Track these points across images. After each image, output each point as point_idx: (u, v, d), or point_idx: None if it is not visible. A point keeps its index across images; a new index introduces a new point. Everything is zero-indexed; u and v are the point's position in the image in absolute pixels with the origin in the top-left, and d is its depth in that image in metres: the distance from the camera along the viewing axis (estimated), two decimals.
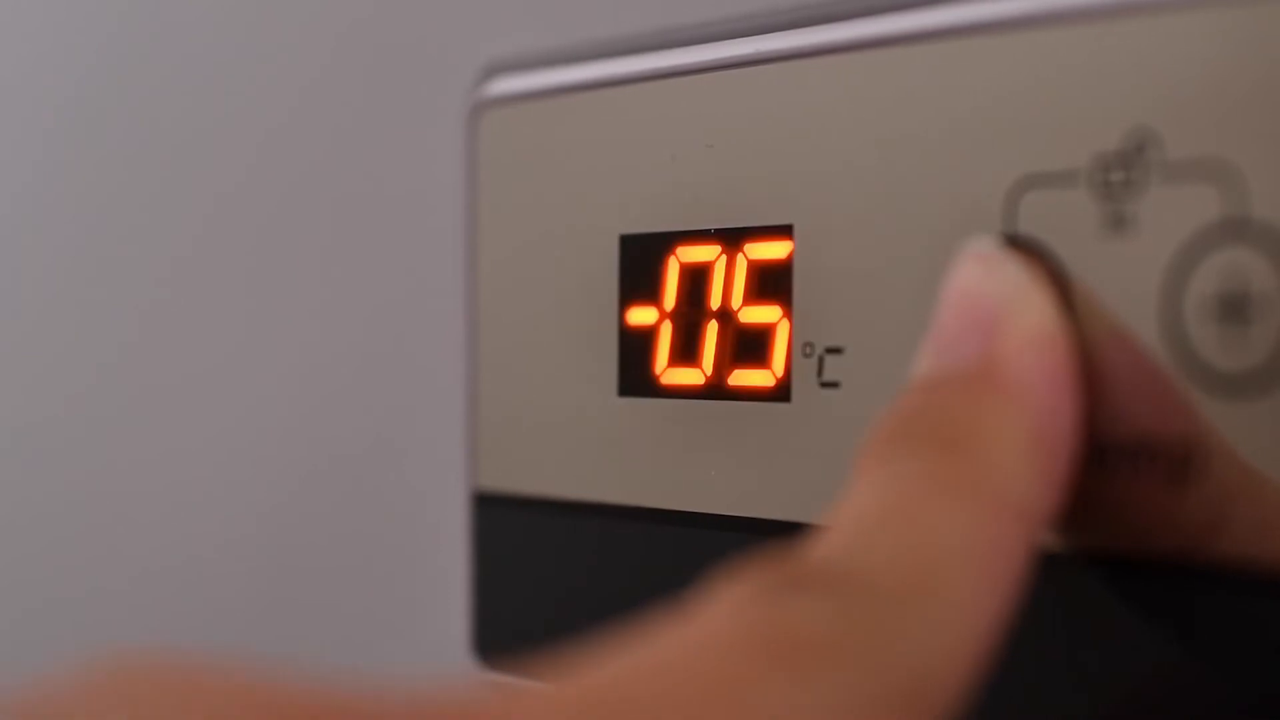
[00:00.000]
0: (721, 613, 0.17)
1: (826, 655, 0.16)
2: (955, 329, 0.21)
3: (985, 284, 0.21)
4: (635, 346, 0.30)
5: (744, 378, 0.28)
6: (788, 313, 0.27)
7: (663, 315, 0.29)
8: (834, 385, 0.26)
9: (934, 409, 0.20)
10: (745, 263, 0.28)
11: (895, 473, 0.19)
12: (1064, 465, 0.21)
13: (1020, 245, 0.23)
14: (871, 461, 0.20)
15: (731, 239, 0.28)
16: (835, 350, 0.26)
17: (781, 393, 0.27)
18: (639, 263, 0.30)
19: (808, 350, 0.26)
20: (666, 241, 0.29)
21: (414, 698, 0.15)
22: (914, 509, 0.19)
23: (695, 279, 0.29)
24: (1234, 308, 0.21)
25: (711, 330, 0.28)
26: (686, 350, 0.29)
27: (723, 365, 0.28)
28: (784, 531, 0.27)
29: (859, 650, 0.17)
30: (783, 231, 0.27)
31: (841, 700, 0.16)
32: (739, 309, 0.28)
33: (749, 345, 0.28)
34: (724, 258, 0.28)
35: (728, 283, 0.28)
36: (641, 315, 0.30)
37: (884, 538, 0.18)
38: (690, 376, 0.29)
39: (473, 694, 0.15)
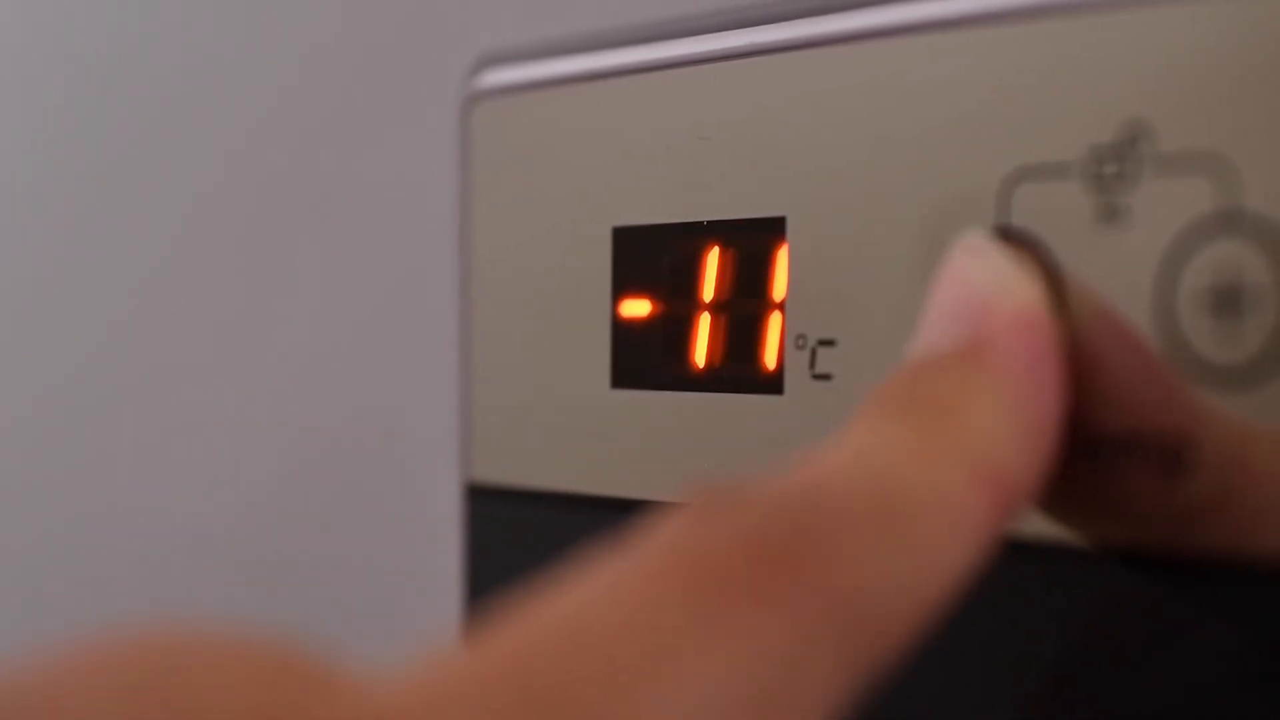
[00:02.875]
0: (653, 539, 0.16)
1: (760, 575, 0.16)
2: (945, 315, 0.22)
3: (975, 273, 0.22)
4: (629, 338, 0.30)
5: (737, 370, 0.28)
6: (780, 305, 0.27)
7: (656, 307, 0.29)
8: (827, 378, 0.26)
9: (921, 383, 0.20)
10: (738, 255, 0.28)
11: (875, 431, 0.19)
12: (1045, 445, 0.21)
13: (1012, 237, 0.23)
14: (855, 425, 0.20)
15: (725, 231, 0.28)
16: (828, 343, 0.26)
17: (774, 385, 0.27)
18: (632, 255, 0.30)
19: (800, 342, 0.26)
20: (660, 234, 0.29)
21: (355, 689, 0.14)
22: (888, 457, 0.19)
23: (688, 271, 0.29)
24: (1227, 300, 0.21)
25: (704, 322, 0.28)
26: (680, 342, 0.29)
27: (715, 357, 0.28)
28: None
29: (800, 567, 0.16)
30: (776, 224, 0.27)
31: (776, 624, 0.16)
32: (732, 301, 0.28)
33: (742, 337, 0.28)
34: (717, 250, 0.28)
35: (721, 274, 0.28)
36: (635, 307, 0.30)
37: (850, 472, 0.18)
38: (683, 369, 0.29)
39: (391, 688, 0.14)
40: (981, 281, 0.22)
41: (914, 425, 0.19)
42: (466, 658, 0.15)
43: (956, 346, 0.21)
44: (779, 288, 0.27)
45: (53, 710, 0.13)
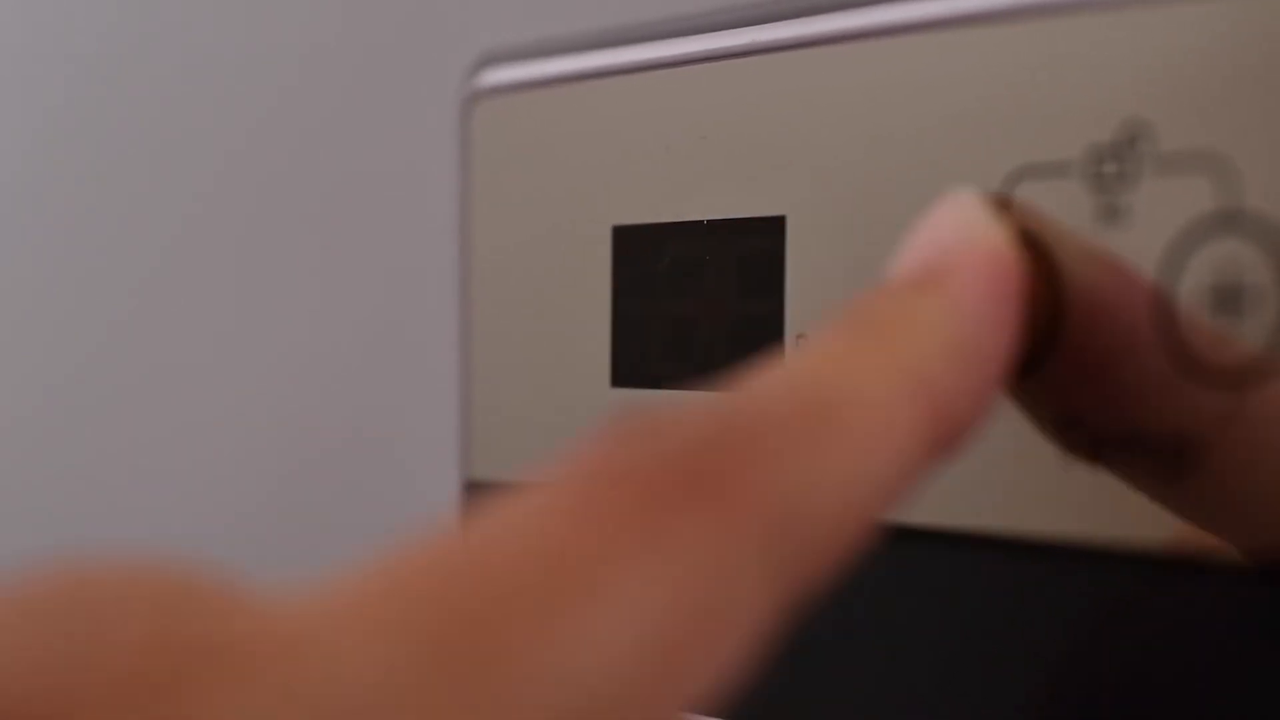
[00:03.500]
0: (576, 458, 0.16)
1: (683, 488, 0.15)
2: (912, 254, 0.21)
3: (949, 217, 0.22)
4: (628, 337, 0.30)
5: (737, 369, 0.28)
6: (780, 304, 0.27)
7: (655, 306, 0.29)
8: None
9: (870, 305, 0.20)
10: (738, 254, 0.28)
11: (817, 351, 0.19)
12: (987, 378, 0.20)
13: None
14: (797, 348, 0.19)
15: (725, 230, 0.28)
16: None
17: None
18: (632, 254, 0.30)
19: (800, 341, 0.26)
20: (660, 233, 0.29)
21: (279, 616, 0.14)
22: (820, 372, 0.18)
23: (688, 270, 0.29)
24: (1227, 299, 0.21)
25: (704, 321, 0.28)
26: (679, 341, 0.29)
27: (715, 356, 0.28)
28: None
29: (723, 480, 0.16)
30: (776, 223, 0.27)
31: (699, 535, 0.15)
32: (731, 300, 0.28)
33: (742, 336, 0.28)
34: (717, 249, 0.28)
35: (720, 274, 0.28)
36: (634, 306, 0.30)
37: (776, 393, 0.18)
38: (683, 367, 0.29)
39: (306, 611, 0.14)
40: (954, 223, 0.21)
41: (850, 340, 0.19)
42: (379, 578, 0.14)
43: (914, 275, 0.21)
44: (779, 287, 0.27)
45: None
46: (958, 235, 0.21)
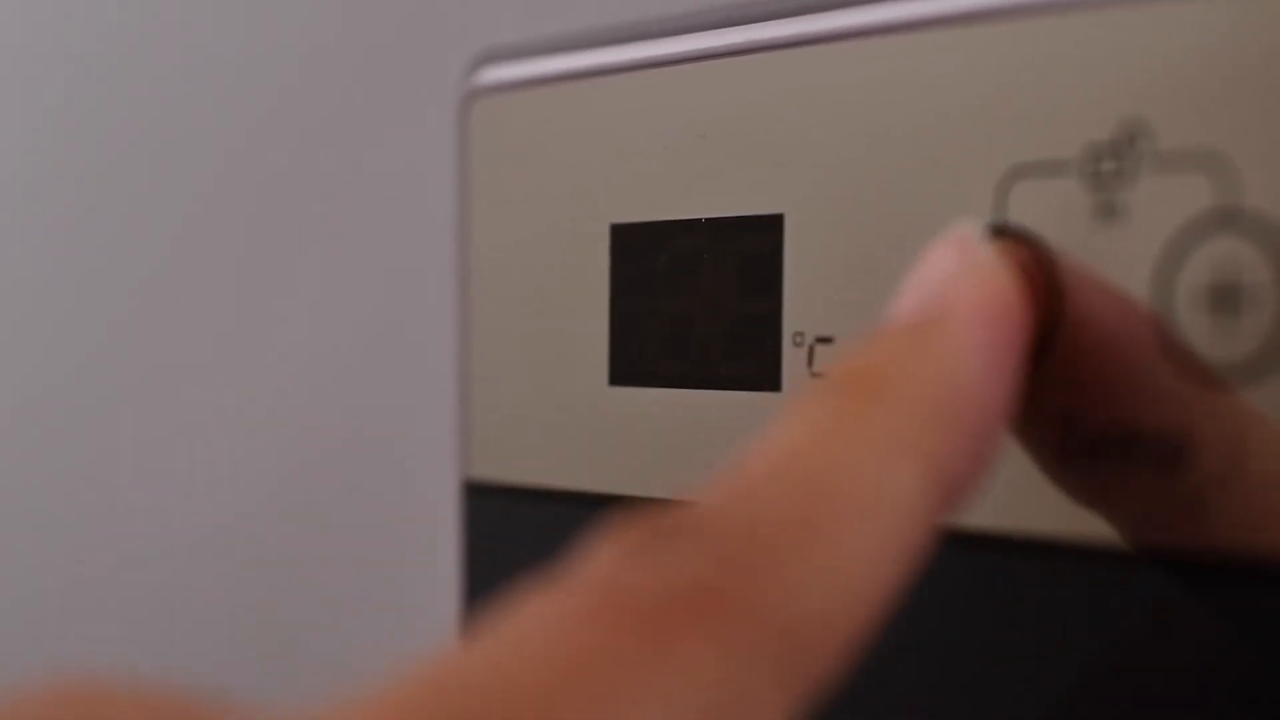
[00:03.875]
0: (585, 575, 0.16)
1: (692, 610, 0.15)
2: (910, 297, 0.21)
3: (948, 259, 0.21)
4: (627, 336, 0.30)
5: (735, 367, 0.28)
6: (778, 302, 0.27)
7: (654, 304, 0.29)
8: (817, 378, 0.26)
9: (864, 360, 0.20)
10: (736, 252, 0.28)
11: (809, 416, 0.19)
12: (983, 437, 0.20)
13: (1007, 232, 0.23)
14: (794, 406, 0.19)
15: (723, 228, 0.28)
16: (826, 340, 0.26)
17: (772, 382, 0.27)
18: (631, 252, 0.30)
19: (798, 339, 0.26)
20: (658, 231, 0.29)
21: None
22: (813, 453, 0.18)
23: (686, 268, 0.29)
24: (1225, 298, 0.21)
25: (702, 320, 0.28)
26: (678, 340, 0.29)
27: (713, 355, 0.28)
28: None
29: (731, 598, 0.16)
30: (774, 221, 0.27)
31: (710, 657, 0.15)
32: (730, 298, 0.28)
33: (740, 334, 0.28)
34: (716, 247, 0.28)
35: (719, 272, 0.28)
36: (633, 304, 0.30)
37: (772, 483, 0.18)
38: (681, 366, 0.29)
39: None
40: (953, 267, 0.21)
41: (847, 407, 0.19)
42: (386, 698, 0.14)
43: (909, 325, 0.20)
44: (777, 285, 0.27)
45: None
46: (957, 281, 0.21)
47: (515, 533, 0.33)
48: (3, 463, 0.53)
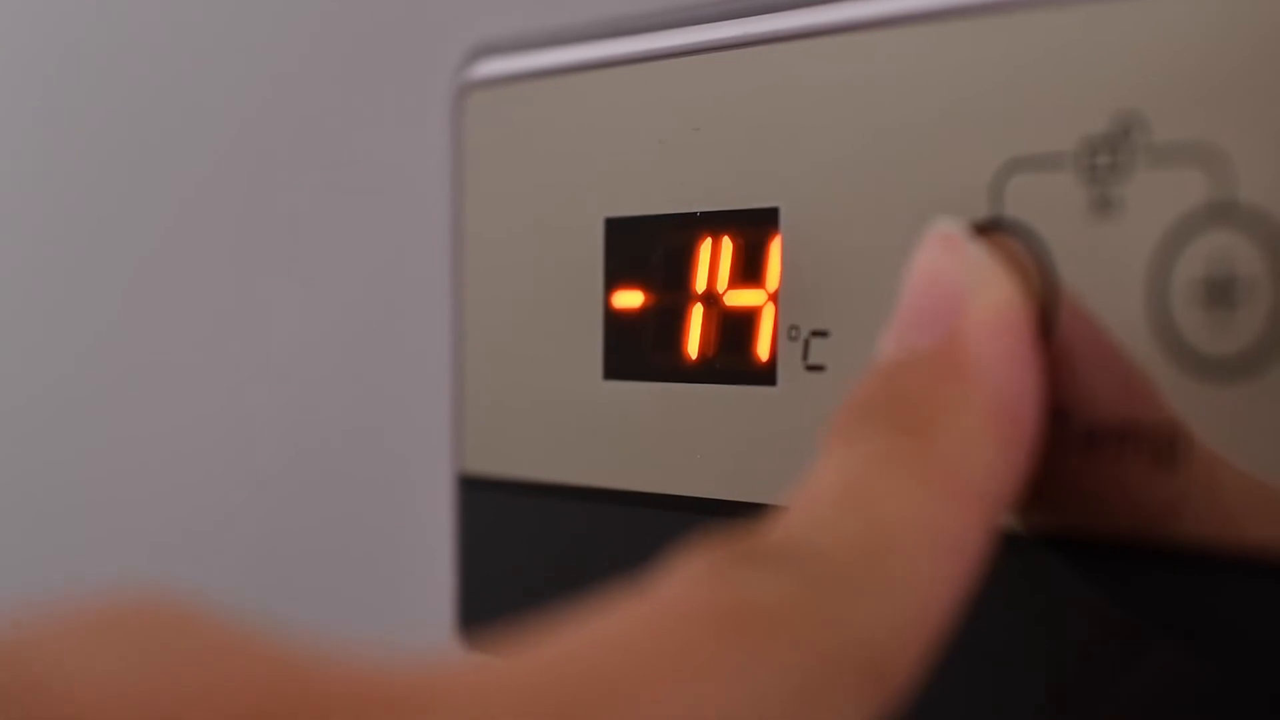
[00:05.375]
0: (678, 586, 0.17)
1: (781, 628, 0.17)
2: (917, 311, 0.22)
3: (947, 266, 0.22)
4: (621, 330, 0.30)
5: (729, 361, 0.28)
6: (773, 296, 0.27)
7: (648, 298, 0.29)
8: (819, 369, 0.26)
9: (896, 391, 0.21)
10: (731, 246, 0.28)
11: (857, 454, 0.20)
12: (1024, 446, 0.21)
13: (995, 228, 0.23)
14: (835, 442, 0.20)
15: (718, 222, 0.28)
16: (821, 333, 0.26)
17: (767, 376, 0.27)
18: (625, 245, 0.30)
19: (793, 333, 0.26)
20: (653, 224, 0.29)
21: (388, 675, 0.15)
22: (872, 489, 0.19)
23: (681, 262, 0.29)
24: (1220, 291, 0.21)
25: (697, 313, 0.28)
26: (672, 333, 0.29)
27: (708, 348, 0.28)
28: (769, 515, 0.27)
29: (814, 624, 0.17)
30: (769, 215, 0.27)
31: (795, 673, 0.16)
32: (725, 292, 0.28)
33: (735, 328, 0.28)
34: (710, 241, 0.28)
35: (713, 266, 0.28)
36: (627, 298, 0.30)
37: (841, 515, 0.19)
38: (676, 359, 0.29)
39: (434, 674, 0.15)
40: (954, 278, 0.22)
41: (892, 445, 0.20)
42: (483, 674, 0.15)
43: (928, 348, 0.21)
44: (772, 279, 0.27)
45: (73, 668, 0.13)
46: (962, 295, 0.21)
47: (510, 526, 0.33)
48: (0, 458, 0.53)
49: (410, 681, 0.14)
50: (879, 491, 0.19)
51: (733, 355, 0.28)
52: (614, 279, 0.30)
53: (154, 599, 0.14)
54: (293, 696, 0.14)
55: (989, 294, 0.21)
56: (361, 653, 0.15)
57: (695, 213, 0.28)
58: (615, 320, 0.30)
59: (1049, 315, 0.22)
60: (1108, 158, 0.22)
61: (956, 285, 0.21)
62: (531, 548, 0.32)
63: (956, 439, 0.20)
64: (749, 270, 0.27)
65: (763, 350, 0.27)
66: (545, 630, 0.16)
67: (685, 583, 0.17)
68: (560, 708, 0.15)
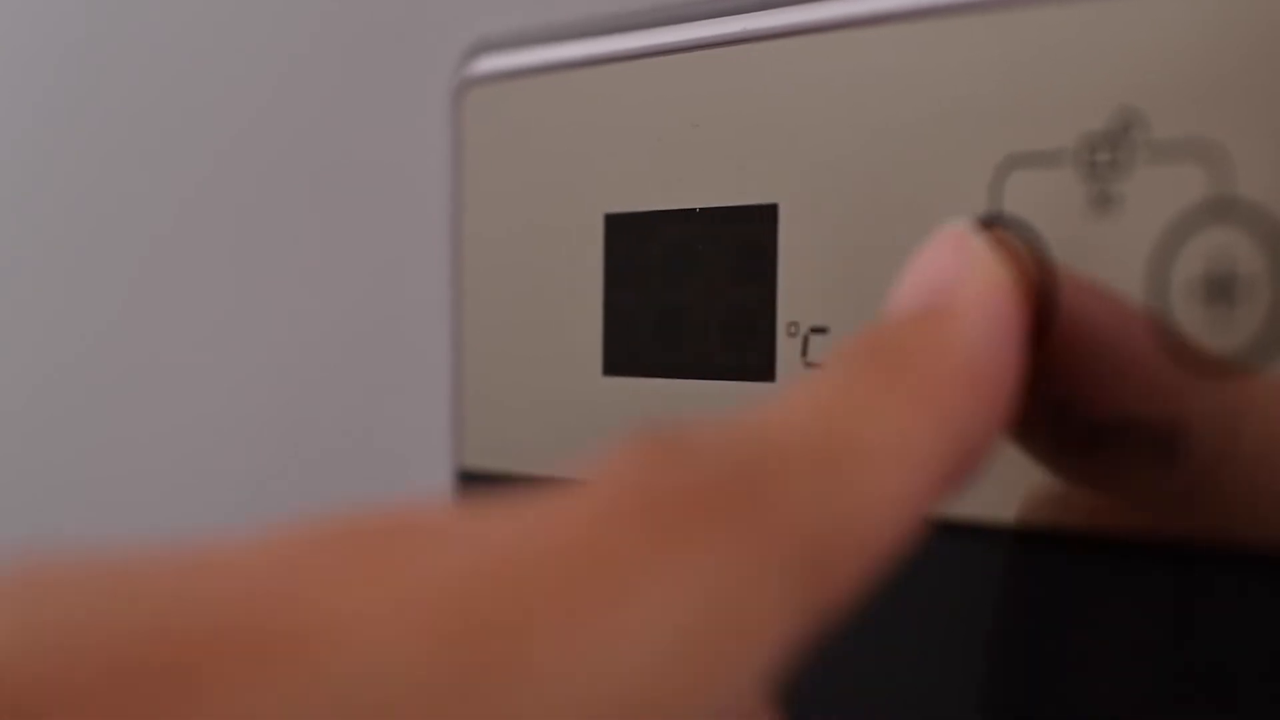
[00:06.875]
0: (608, 475, 0.16)
1: (709, 510, 0.16)
2: (912, 288, 0.22)
3: (946, 253, 0.22)
4: (620, 326, 0.30)
5: (729, 357, 0.28)
6: (772, 292, 0.27)
7: (647, 295, 0.29)
8: (818, 365, 0.26)
9: (878, 337, 0.21)
10: (730, 242, 0.28)
11: (829, 379, 0.19)
12: (995, 411, 0.21)
13: (997, 223, 0.23)
14: (811, 376, 0.20)
15: (717, 218, 0.28)
16: (820, 330, 0.26)
17: (766, 372, 0.27)
18: (624, 242, 0.30)
19: (792, 330, 0.26)
20: (652, 221, 0.29)
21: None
22: (836, 404, 0.19)
23: (680, 258, 0.29)
24: (1220, 288, 0.21)
25: (696, 310, 0.28)
26: (671, 330, 0.29)
27: (707, 345, 0.28)
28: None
29: (748, 503, 0.16)
30: (768, 211, 0.27)
31: (722, 554, 0.16)
32: (724, 288, 0.28)
33: (733, 325, 0.28)
34: (709, 237, 0.28)
35: (712, 262, 0.28)
36: (627, 294, 0.30)
37: (802, 416, 0.18)
38: (675, 356, 0.29)
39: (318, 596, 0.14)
40: (952, 261, 0.22)
41: (863, 370, 0.19)
42: (402, 572, 0.14)
43: (919, 308, 0.21)
44: (771, 275, 0.27)
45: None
46: (958, 273, 0.21)
47: None
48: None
49: (292, 613, 0.13)
50: (845, 407, 0.19)
51: (732, 352, 0.28)
52: (613, 275, 0.30)
53: (54, 555, 0.13)
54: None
55: (984, 273, 0.21)
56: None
57: (695, 209, 0.28)
58: (615, 316, 0.30)
59: (1048, 311, 0.22)
60: (1107, 154, 0.22)
61: (953, 267, 0.22)
62: None
63: (929, 374, 0.20)
64: (748, 267, 0.27)
65: (762, 347, 0.27)
66: (468, 530, 0.15)
67: (609, 473, 0.16)
68: (463, 648, 0.13)
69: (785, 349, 0.27)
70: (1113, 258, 0.22)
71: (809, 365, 0.26)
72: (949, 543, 0.24)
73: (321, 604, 0.13)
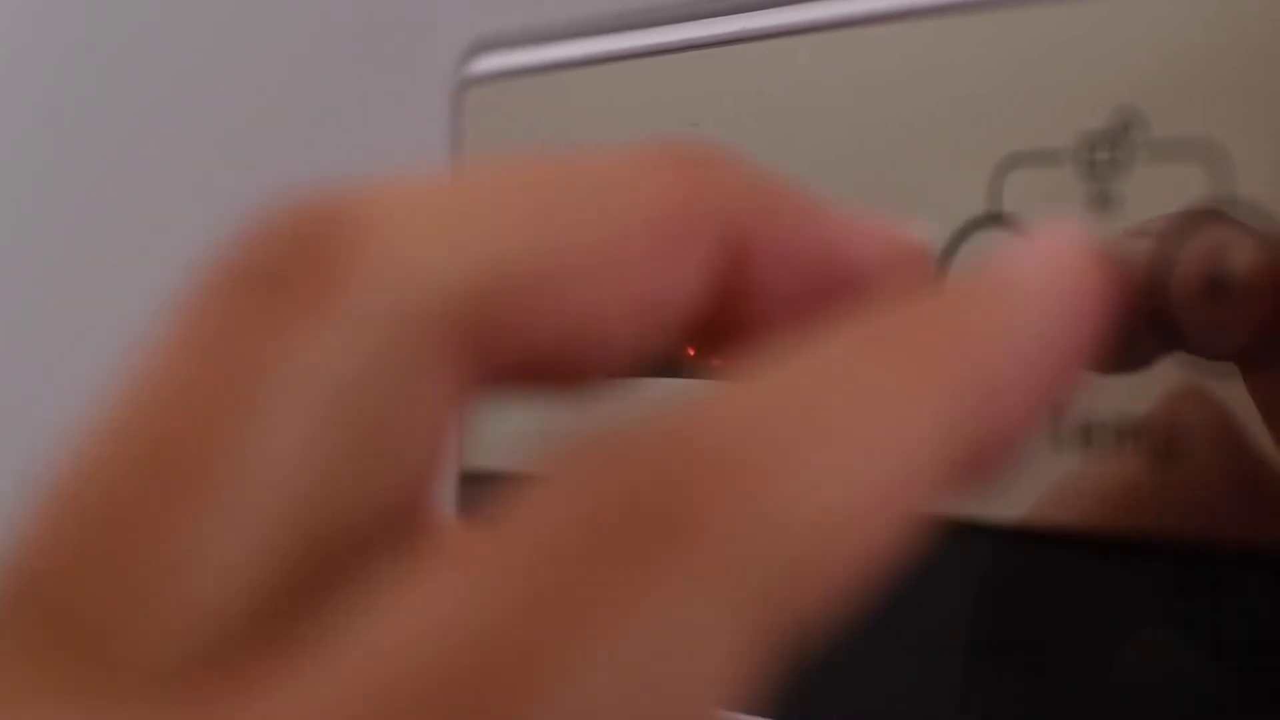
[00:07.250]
0: (561, 481, 0.14)
1: (652, 543, 0.13)
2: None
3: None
4: None
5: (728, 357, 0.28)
6: None
7: None
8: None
9: (921, 313, 0.17)
10: None
11: (819, 351, 0.16)
12: (1070, 369, 0.17)
13: (991, 221, 0.23)
14: (804, 343, 0.16)
15: None
16: None
17: None
18: None
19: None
20: None
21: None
22: (820, 374, 0.15)
23: None
24: (1219, 287, 0.21)
25: None
26: None
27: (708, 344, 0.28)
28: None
29: (695, 529, 0.13)
30: None
31: (668, 605, 0.13)
32: None
33: None
34: None
35: None
36: None
37: (772, 382, 0.15)
38: (675, 355, 0.29)
39: None
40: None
41: (875, 351, 0.16)
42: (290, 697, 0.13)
43: (975, 282, 0.17)
44: None
45: None
46: (1024, 240, 0.18)
47: None
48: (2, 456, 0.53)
49: None
50: (825, 380, 0.15)
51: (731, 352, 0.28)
52: None
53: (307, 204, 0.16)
54: None
55: (1055, 232, 0.18)
56: None
57: None
58: None
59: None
60: (1107, 153, 0.22)
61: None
62: None
63: (946, 367, 0.16)
64: None
65: (762, 346, 0.27)
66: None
67: (570, 478, 0.14)
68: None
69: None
70: (1112, 257, 0.22)
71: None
72: (949, 543, 0.24)
73: None
